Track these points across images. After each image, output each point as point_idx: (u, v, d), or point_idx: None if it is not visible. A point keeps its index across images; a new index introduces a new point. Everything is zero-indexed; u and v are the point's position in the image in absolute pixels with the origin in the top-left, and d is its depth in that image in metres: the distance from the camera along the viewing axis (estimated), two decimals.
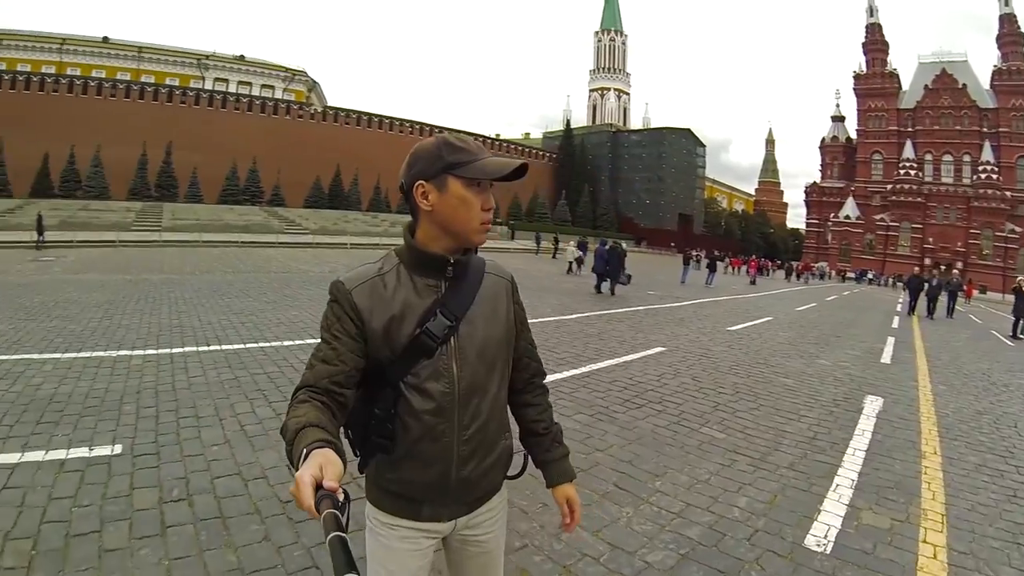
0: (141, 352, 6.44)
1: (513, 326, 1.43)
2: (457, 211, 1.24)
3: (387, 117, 68.98)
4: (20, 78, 53.45)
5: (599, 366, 6.80)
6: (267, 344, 7.10)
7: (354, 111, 67.53)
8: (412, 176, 1.25)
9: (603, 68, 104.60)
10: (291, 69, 71.60)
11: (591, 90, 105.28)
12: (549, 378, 6.09)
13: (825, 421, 5.28)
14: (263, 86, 68.97)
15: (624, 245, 19.18)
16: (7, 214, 33.92)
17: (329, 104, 71.96)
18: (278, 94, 67.97)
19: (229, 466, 3.57)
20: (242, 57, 70.92)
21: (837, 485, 3.75)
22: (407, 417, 1.26)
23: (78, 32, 69.34)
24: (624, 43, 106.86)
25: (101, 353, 6.30)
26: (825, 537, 3.04)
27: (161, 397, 4.90)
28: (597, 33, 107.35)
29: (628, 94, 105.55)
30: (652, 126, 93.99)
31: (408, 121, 70.11)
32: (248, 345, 7.01)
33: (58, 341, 6.86)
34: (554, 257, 36.45)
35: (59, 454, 3.63)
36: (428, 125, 71.26)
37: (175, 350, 6.60)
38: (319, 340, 1.26)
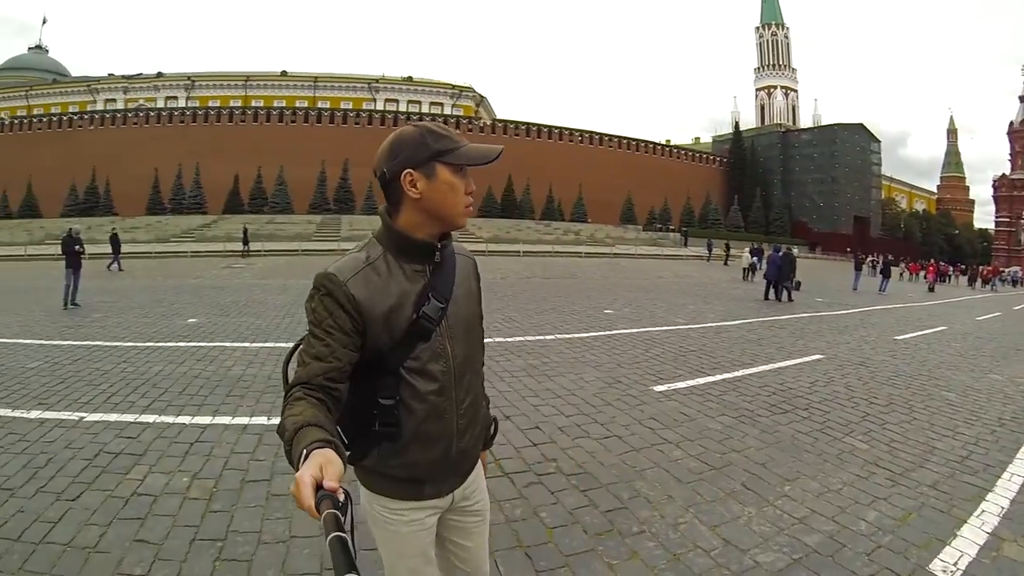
0: None
1: (480, 302, 1.50)
2: (447, 197, 1.27)
3: (556, 127, 69.43)
4: (212, 112, 61.72)
5: (752, 371, 6.61)
6: None
7: (522, 123, 68.59)
8: (398, 164, 1.25)
9: (767, 65, 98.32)
10: (458, 86, 73.84)
11: (757, 89, 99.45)
12: (699, 381, 5.95)
13: (984, 440, 4.67)
14: (432, 103, 71.96)
15: (795, 251, 19.42)
16: (204, 228, 39.49)
17: (498, 117, 73.46)
18: (447, 110, 70.64)
19: None
20: (410, 78, 74.68)
21: (983, 511, 3.33)
22: (412, 401, 1.28)
23: (259, 68, 76.80)
24: (787, 37, 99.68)
25: (282, 344, 7.28)
26: (955, 564, 2.73)
27: None
28: (758, 28, 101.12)
29: (795, 91, 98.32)
30: (822, 123, 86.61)
31: (577, 130, 70.21)
32: None
33: (247, 333, 8.00)
34: (725, 264, 35.19)
35: (243, 420, 4.39)
36: (597, 133, 71.06)
37: None
38: (308, 336, 1.24)
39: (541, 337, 7.95)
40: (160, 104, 68.97)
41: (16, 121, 65.23)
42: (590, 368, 6.25)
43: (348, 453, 1.29)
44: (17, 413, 4.60)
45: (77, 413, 4.54)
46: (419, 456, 1.31)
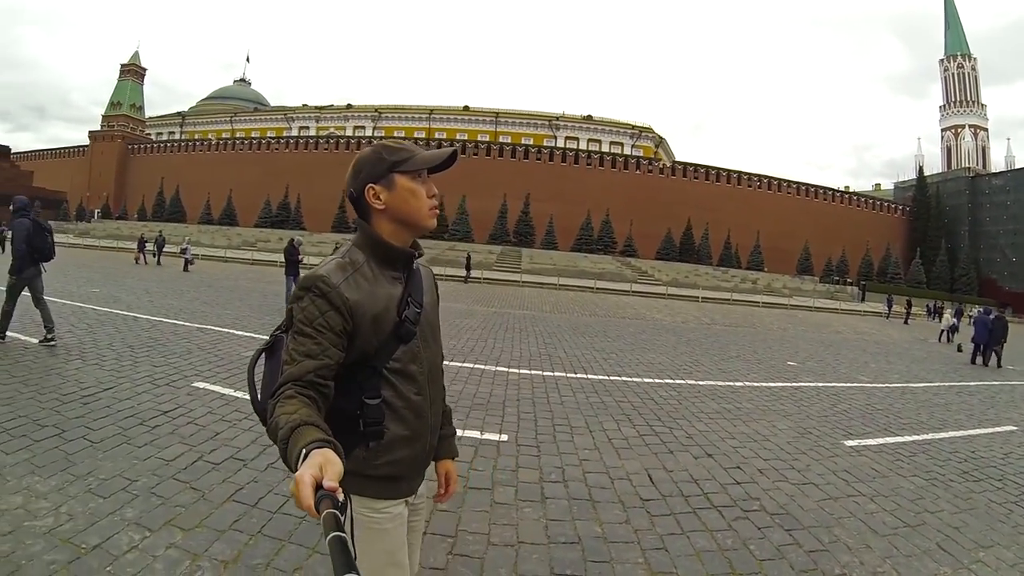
0: (517, 370, 7.75)
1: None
2: (408, 202, 1.38)
3: (734, 171, 68.81)
4: None
5: (941, 436, 6.49)
6: (628, 379, 7.75)
7: (701, 165, 68.78)
8: (361, 181, 1.38)
9: (954, 102, 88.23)
10: (637, 126, 75.32)
11: (943, 130, 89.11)
12: (888, 440, 6.14)
13: None
14: (612, 143, 73.93)
15: (1007, 314, 18.44)
16: None
17: (677, 159, 74.20)
18: (627, 150, 72.22)
19: (598, 466, 4.31)
20: (589, 117, 77.29)
21: None
22: (395, 400, 1.36)
23: (442, 102, 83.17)
24: (975, 69, 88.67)
25: (482, 366, 7.77)
26: None
27: (537, 407, 5.90)
28: (942, 61, 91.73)
29: (985, 130, 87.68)
30: (1016, 166, 76.16)
31: (755, 175, 69.17)
32: (612, 377, 7.76)
33: (448, 353, 9.09)
34: (906, 323, 33.15)
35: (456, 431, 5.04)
36: (776, 179, 69.88)
37: (546, 373, 7.73)
38: (295, 335, 1.27)
39: (731, 383, 8.09)
40: (349, 132, 76.83)
41: (222, 142, 77.14)
42: (780, 417, 6.43)
43: None
44: (240, 394, 5.38)
45: None
46: (402, 454, 1.38)
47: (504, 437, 4.82)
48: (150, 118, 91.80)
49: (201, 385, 5.71)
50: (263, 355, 1.38)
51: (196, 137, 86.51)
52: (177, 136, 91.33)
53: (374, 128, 79.04)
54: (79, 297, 12.03)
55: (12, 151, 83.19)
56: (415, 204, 1.39)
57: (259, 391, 1.35)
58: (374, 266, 1.38)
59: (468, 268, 31.40)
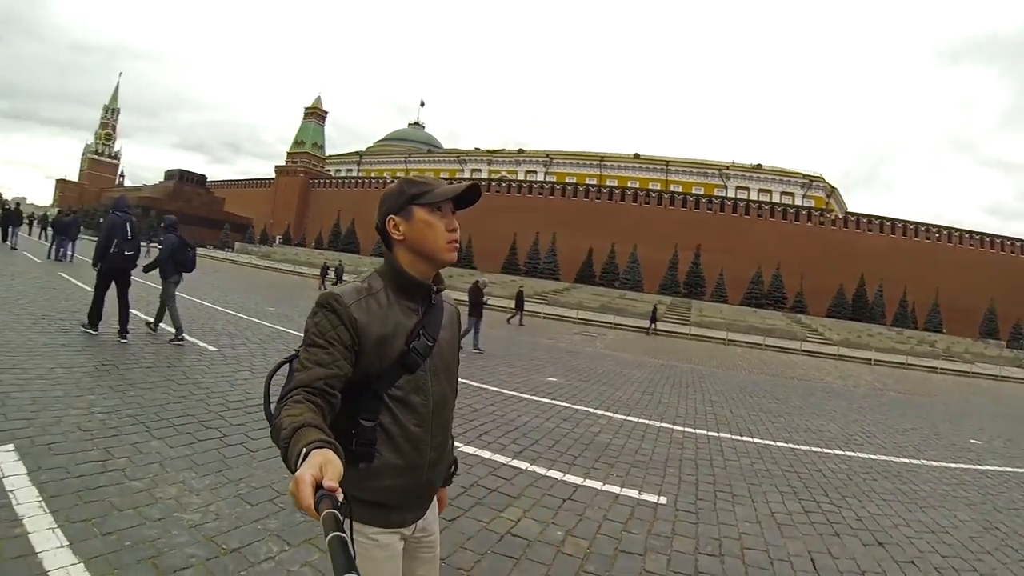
0: (681, 428, 7.42)
1: (458, 350, 1.64)
2: (425, 234, 1.41)
3: (911, 222, 62.18)
4: (569, 187, 68.86)
5: None
6: (796, 446, 7.28)
7: (875, 216, 63.30)
8: (383, 213, 1.43)
9: None
10: (808, 175, 72.25)
11: None
12: None
13: None
14: (782, 193, 71.13)
15: None
16: (556, 293, 42.42)
17: (849, 210, 69.54)
18: (797, 200, 69.22)
19: (758, 542, 3.94)
20: (759, 166, 75.22)
21: None
22: (391, 427, 1.37)
23: (613, 150, 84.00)
24: None
25: (646, 421, 7.55)
26: None
27: (700, 470, 5.61)
28: None
29: None
30: None
31: (933, 226, 61.89)
32: (778, 443, 7.31)
33: (608, 403, 8.44)
34: None
35: (613, 489, 4.60)
36: (957, 230, 62.08)
37: (711, 433, 7.37)
38: (306, 348, 1.30)
39: (906, 460, 7.34)
40: (520, 176, 79.02)
41: (394, 180, 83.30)
42: (962, 506, 5.66)
43: None
44: None
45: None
46: (392, 482, 1.37)
47: (663, 499, 4.61)
48: (330, 156, 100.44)
49: None
50: (285, 366, 1.42)
51: (372, 175, 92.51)
52: (354, 173, 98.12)
53: (545, 173, 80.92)
54: (255, 313, 13.22)
55: (208, 179, 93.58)
56: (431, 236, 1.41)
57: (272, 401, 1.34)
58: (391, 294, 1.41)
59: (654, 320, 30.37)
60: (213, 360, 7.21)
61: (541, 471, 4.68)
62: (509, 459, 4.88)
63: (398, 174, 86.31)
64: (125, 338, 7.35)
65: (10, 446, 3.53)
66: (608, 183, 73.04)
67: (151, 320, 8.50)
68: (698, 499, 4.69)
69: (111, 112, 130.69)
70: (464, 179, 76.89)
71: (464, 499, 3.87)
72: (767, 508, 4.70)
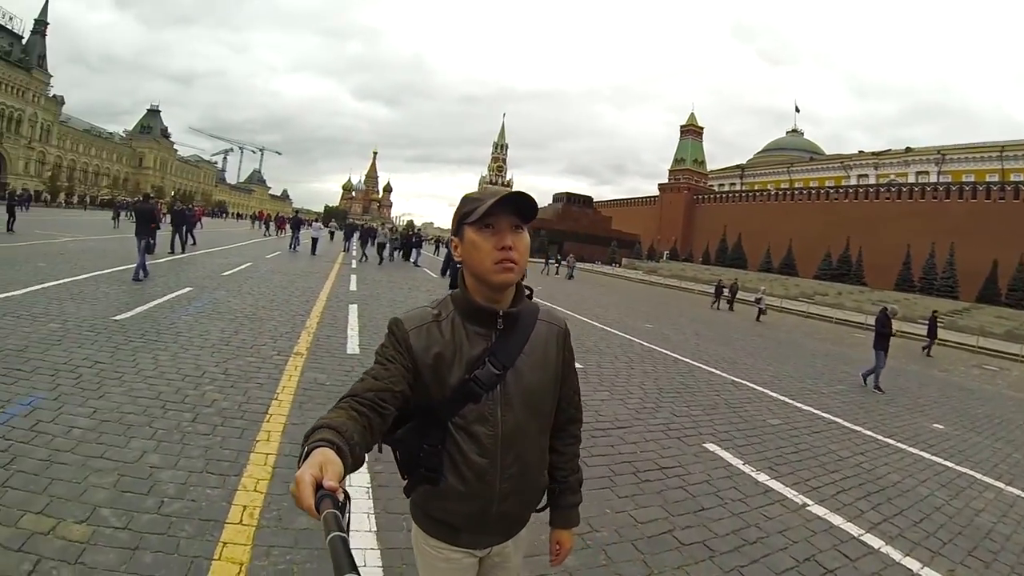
0: None
1: (560, 373, 1.49)
2: (472, 255, 1.33)
3: None
4: (966, 188, 57.73)
5: None
6: None
7: None
8: (451, 234, 1.40)
9: None
10: None
11: None
12: None
13: None
14: None
15: None
16: (954, 315, 34.87)
17: None
18: None
19: None
20: None
21: None
22: (455, 454, 1.34)
23: (1017, 138, 67.35)
24: None
25: None
26: None
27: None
28: None
29: None
30: None
31: None
32: None
33: (1002, 468, 6.42)
34: None
35: None
36: None
37: None
38: (374, 364, 1.32)
39: None
40: (911, 179, 70.44)
41: (780, 192, 79.14)
42: None
43: (405, 483, 1.41)
44: (747, 469, 4.91)
45: (803, 497, 4.53)
46: (456, 507, 1.37)
47: None
48: (712, 171, 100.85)
49: (711, 447, 5.46)
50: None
51: (755, 188, 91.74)
52: (737, 187, 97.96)
53: (938, 173, 70.39)
54: (631, 330, 13.22)
55: (594, 200, 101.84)
56: (477, 257, 1.33)
57: None
58: (458, 320, 1.37)
59: None
60: None
61: (895, 556, 3.71)
62: (861, 532, 4.01)
63: (782, 185, 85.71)
64: None
65: None
66: (1013, 178, 59.74)
67: None
68: None
69: (500, 147, 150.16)
70: (850, 186, 74.08)
71: (808, 566, 3.40)
72: None
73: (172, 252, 16.91)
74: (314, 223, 28.98)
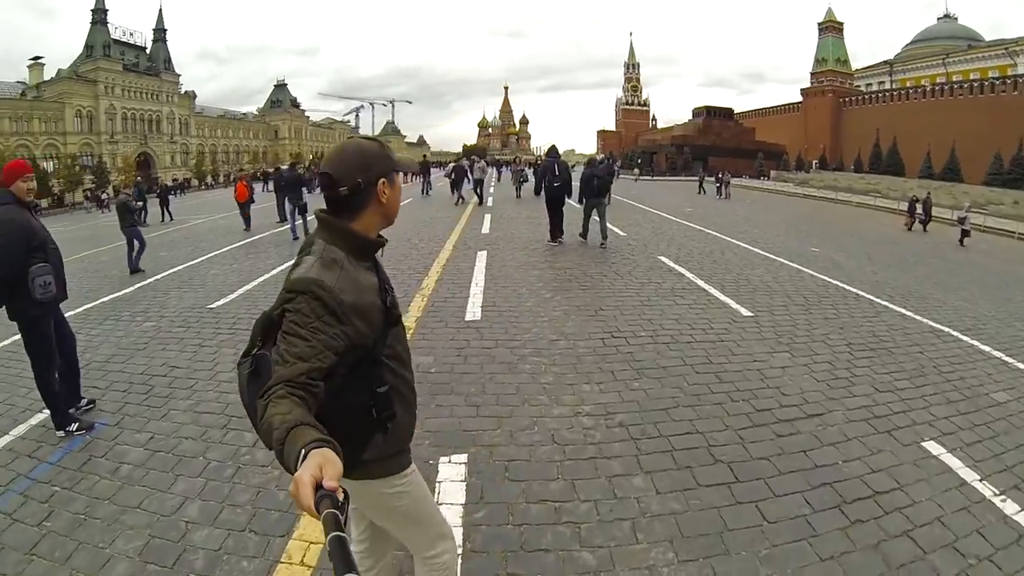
0: None
1: None
2: (398, 199, 1.53)
3: None
4: None
5: None
6: None
7: None
8: (374, 174, 1.43)
9: None
10: None
11: None
12: None
13: None
14: None
15: None
16: None
17: None
18: None
19: None
20: None
21: None
22: (396, 382, 1.48)
23: None
24: None
25: None
26: None
27: None
28: None
29: None
30: None
31: None
32: None
33: None
34: None
35: None
36: None
37: None
38: (286, 337, 1.24)
39: None
40: None
41: (936, 88, 69.54)
42: None
43: (346, 451, 1.19)
44: (985, 490, 3.26)
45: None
46: (406, 430, 1.56)
47: None
48: (857, 70, 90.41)
49: (932, 448, 3.73)
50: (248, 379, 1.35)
51: (907, 85, 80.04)
52: (887, 86, 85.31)
53: None
54: (798, 257, 10.95)
55: (735, 111, 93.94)
56: (396, 198, 1.51)
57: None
58: (351, 260, 1.39)
59: None
60: (745, 330, 5.95)
61: None
62: None
63: (938, 80, 74.69)
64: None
65: None
66: None
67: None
68: None
69: (632, 67, 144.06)
70: (1018, 76, 64.53)
71: None
72: None
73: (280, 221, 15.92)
74: (476, 163, 23.31)
